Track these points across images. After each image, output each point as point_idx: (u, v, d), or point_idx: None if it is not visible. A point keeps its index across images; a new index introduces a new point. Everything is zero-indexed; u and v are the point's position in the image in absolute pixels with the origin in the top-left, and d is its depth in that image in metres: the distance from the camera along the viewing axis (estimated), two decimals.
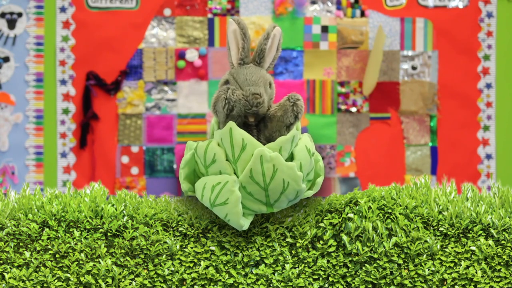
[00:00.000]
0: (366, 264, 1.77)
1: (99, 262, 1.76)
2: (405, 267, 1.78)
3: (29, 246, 1.77)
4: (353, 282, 1.77)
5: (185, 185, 1.83)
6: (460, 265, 1.78)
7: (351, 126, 3.79)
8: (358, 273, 1.77)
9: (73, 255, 1.76)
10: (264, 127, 1.81)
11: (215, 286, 1.76)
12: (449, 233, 1.79)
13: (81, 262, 1.76)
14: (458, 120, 3.82)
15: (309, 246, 1.79)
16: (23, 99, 3.69)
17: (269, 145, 1.75)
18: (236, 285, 1.76)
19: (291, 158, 1.77)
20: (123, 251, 1.77)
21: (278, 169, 1.73)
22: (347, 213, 1.79)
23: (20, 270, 1.75)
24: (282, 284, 1.76)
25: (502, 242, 1.78)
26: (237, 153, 1.74)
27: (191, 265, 1.77)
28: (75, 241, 1.77)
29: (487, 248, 1.77)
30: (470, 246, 1.78)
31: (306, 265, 1.78)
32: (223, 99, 1.75)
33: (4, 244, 1.77)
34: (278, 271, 1.77)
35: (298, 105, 1.77)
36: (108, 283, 1.75)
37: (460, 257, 1.78)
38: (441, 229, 1.79)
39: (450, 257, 1.78)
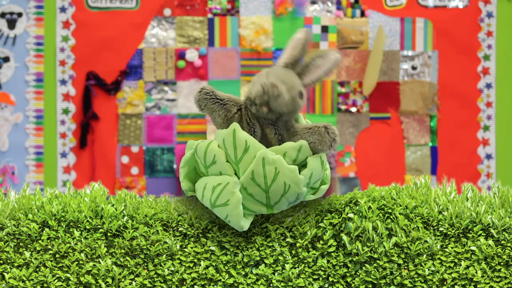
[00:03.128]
0: (366, 264, 1.77)
1: (99, 262, 1.76)
2: (405, 267, 1.78)
3: (29, 246, 1.77)
4: (353, 282, 1.77)
5: (185, 184, 1.83)
6: (460, 265, 1.78)
7: (351, 126, 3.80)
8: (358, 273, 1.77)
9: (73, 255, 1.76)
10: (288, 139, 1.79)
11: (215, 286, 1.76)
12: (449, 233, 1.79)
13: (81, 262, 1.76)
14: (458, 120, 3.82)
15: (309, 246, 1.79)
16: (23, 99, 3.69)
17: (274, 148, 1.75)
18: (236, 285, 1.76)
19: (304, 166, 1.77)
20: (123, 251, 1.77)
21: (280, 171, 1.73)
22: (347, 213, 1.79)
23: (20, 270, 1.75)
24: (282, 284, 1.76)
25: (502, 242, 1.78)
26: (239, 154, 1.74)
27: (191, 265, 1.77)
28: (75, 241, 1.77)
29: (487, 248, 1.77)
30: (470, 246, 1.78)
31: (306, 265, 1.78)
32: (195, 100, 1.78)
33: (4, 244, 1.77)
34: (278, 271, 1.77)
35: (336, 142, 1.76)
36: (108, 283, 1.75)
37: (460, 257, 1.78)
38: (441, 229, 1.79)
39: (450, 257, 1.78)
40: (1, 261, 1.76)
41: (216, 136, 1.78)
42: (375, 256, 1.77)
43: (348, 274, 1.77)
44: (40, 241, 1.76)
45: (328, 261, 1.78)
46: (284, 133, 1.78)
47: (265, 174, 1.73)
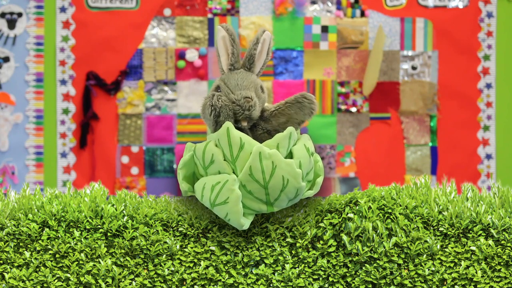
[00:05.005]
0: (366, 264, 1.77)
1: (99, 262, 1.76)
2: (405, 267, 1.78)
3: (29, 246, 1.77)
4: (353, 282, 1.77)
5: (184, 185, 1.83)
6: (460, 265, 1.78)
7: (351, 126, 3.79)
8: (358, 273, 1.77)
9: (73, 255, 1.76)
10: (264, 125, 1.82)
11: (215, 286, 1.76)
12: (449, 233, 1.79)
13: (81, 262, 1.76)
14: (458, 120, 3.82)
15: (309, 246, 1.79)
16: (23, 99, 3.69)
17: (266, 143, 1.76)
18: (236, 285, 1.76)
19: (290, 157, 1.78)
20: (123, 251, 1.77)
21: (277, 166, 1.73)
22: (347, 213, 1.79)
23: (20, 270, 1.75)
24: (282, 284, 1.76)
25: (502, 242, 1.78)
26: (235, 152, 1.74)
27: (191, 265, 1.77)
28: (75, 241, 1.77)
29: (487, 248, 1.77)
30: (470, 246, 1.78)
31: (306, 265, 1.78)
32: (209, 106, 1.77)
33: (4, 244, 1.77)
34: (278, 271, 1.77)
35: (315, 103, 1.81)
36: (108, 283, 1.75)
37: (460, 257, 1.78)
38: (441, 229, 1.79)
39: (450, 257, 1.78)
40: (1, 261, 1.76)
41: (209, 138, 1.79)
42: (375, 256, 1.77)
43: (348, 274, 1.77)
44: (40, 241, 1.76)
45: (328, 261, 1.78)
46: (263, 124, 1.81)
47: (262, 169, 1.73)
